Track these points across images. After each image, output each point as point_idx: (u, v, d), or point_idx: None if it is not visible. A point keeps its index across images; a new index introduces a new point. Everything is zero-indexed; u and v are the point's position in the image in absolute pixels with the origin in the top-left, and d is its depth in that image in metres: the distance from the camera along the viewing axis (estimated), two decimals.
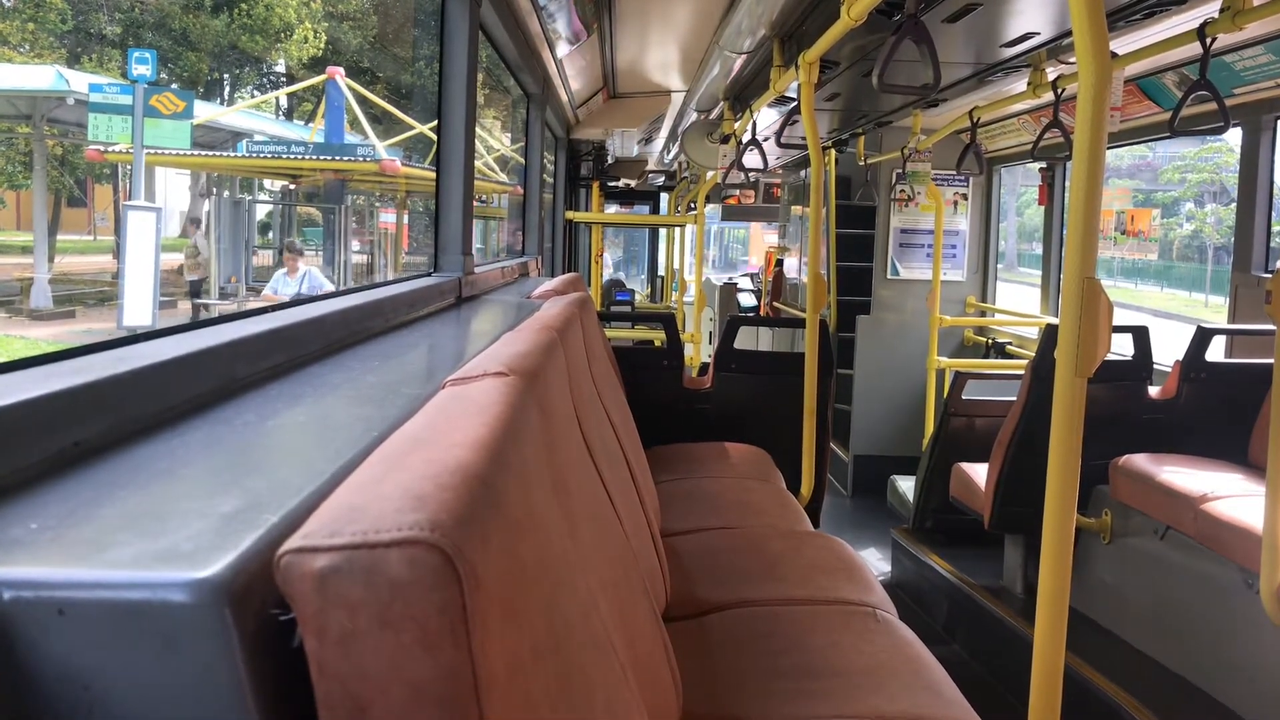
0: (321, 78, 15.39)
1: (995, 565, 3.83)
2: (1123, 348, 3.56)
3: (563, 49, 3.91)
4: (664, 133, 7.25)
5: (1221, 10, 2.47)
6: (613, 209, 11.28)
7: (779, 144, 4.90)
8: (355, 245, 16.38)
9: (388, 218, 18.06)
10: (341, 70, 15.04)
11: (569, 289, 2.80)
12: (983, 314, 6.12)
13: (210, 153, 14.78)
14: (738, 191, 9.92)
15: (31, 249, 14.38)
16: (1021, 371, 3.54)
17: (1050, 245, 5.58)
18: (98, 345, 1.07)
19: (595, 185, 8.02)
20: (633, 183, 10.16)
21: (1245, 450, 3.32)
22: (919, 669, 1.82)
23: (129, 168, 12.87)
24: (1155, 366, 3.61)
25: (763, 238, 21.87)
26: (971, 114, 4.51)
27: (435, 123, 2.62)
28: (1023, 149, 5.46)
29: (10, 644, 0.60)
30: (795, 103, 3.80)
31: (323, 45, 19.96)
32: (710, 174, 6.39)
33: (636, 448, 2.54)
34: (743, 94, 4.67)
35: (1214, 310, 21.61)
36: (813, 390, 3.40)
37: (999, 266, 6.34)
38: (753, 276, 11.13)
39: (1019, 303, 6.66)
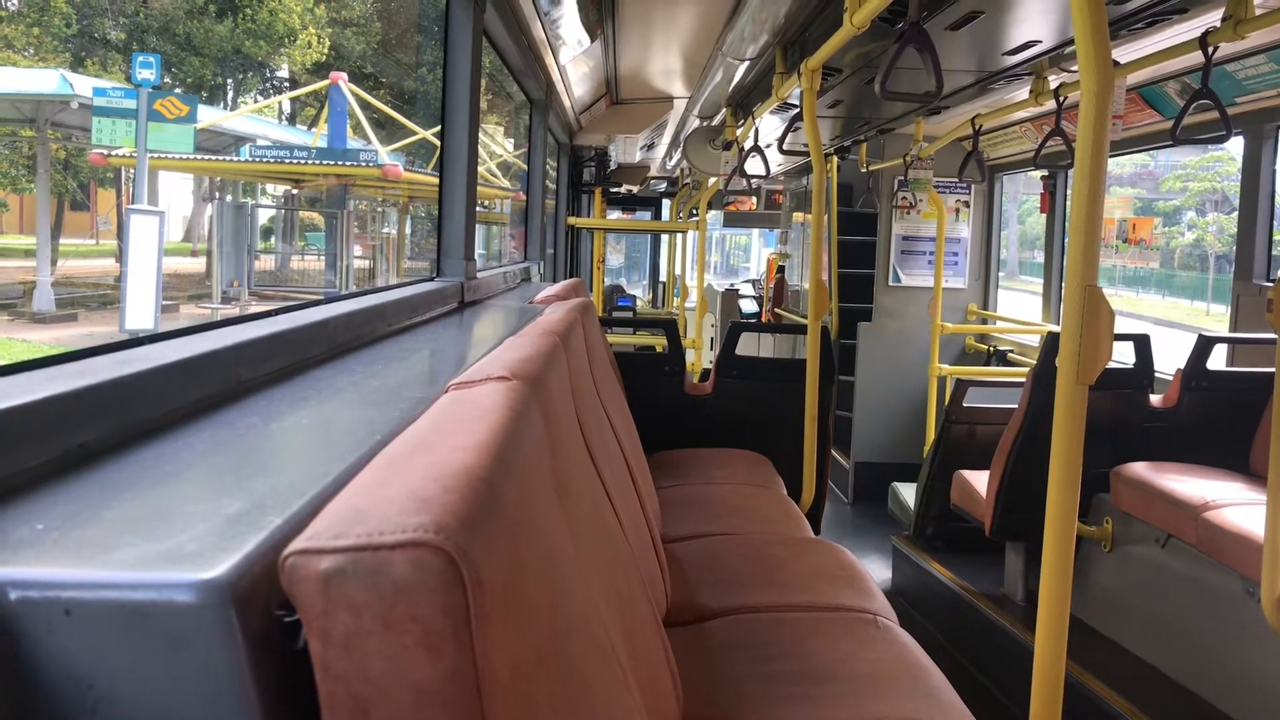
0: (325, 83, 15.46)
1: (996, 573, 3.82)
2: (1124, 356, 3.56)
3: (566, 55, 3.91)
4: (666, 139, 7.26)
5: (1223, 19, 2.48)
6: (615, 215, 11.29)
7: (781, 151, 4.89)
8: (357, 250, 16.42)
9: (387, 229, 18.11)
10: (344, 75, 15.09)
11: (571, 294, 2.80)
12: (984, 321, 6.12)
13: (214, 157, 14.81)
14: (739, 198, 9.92)
15: (34, 252, 14.39)
16: (1023, 379, 3.54)
17: (1052, 253, 5.58)
18: (102, 348, 1.07)
19: (597, 191, 8.02)
20: (635, 189, 10.16)
21: (1246, 459, 3.32)
22: (919, 676, 1.81)
23: (132, 172, 12.90)
24: (1156, 375, 3.61)
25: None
26: (974, 122, 4.52)
27: (438, 128, 2.62)
28: (1025, 157, 5.46)
29: (16, 643, 0.60)
30: (797, 109, 3.80)
31: (326, 51, 20.01)
32: (712, 180, 6.39)
33: (638, 453, 2.54)
34: (745, 100, 4.68)
35: (1215, 319, 21.56)
36: (814, 397, 3.40)
37: (1000, 274, 6.34)
38: (754, 283, 11.13)
39: (1020, 310, 6.65)
